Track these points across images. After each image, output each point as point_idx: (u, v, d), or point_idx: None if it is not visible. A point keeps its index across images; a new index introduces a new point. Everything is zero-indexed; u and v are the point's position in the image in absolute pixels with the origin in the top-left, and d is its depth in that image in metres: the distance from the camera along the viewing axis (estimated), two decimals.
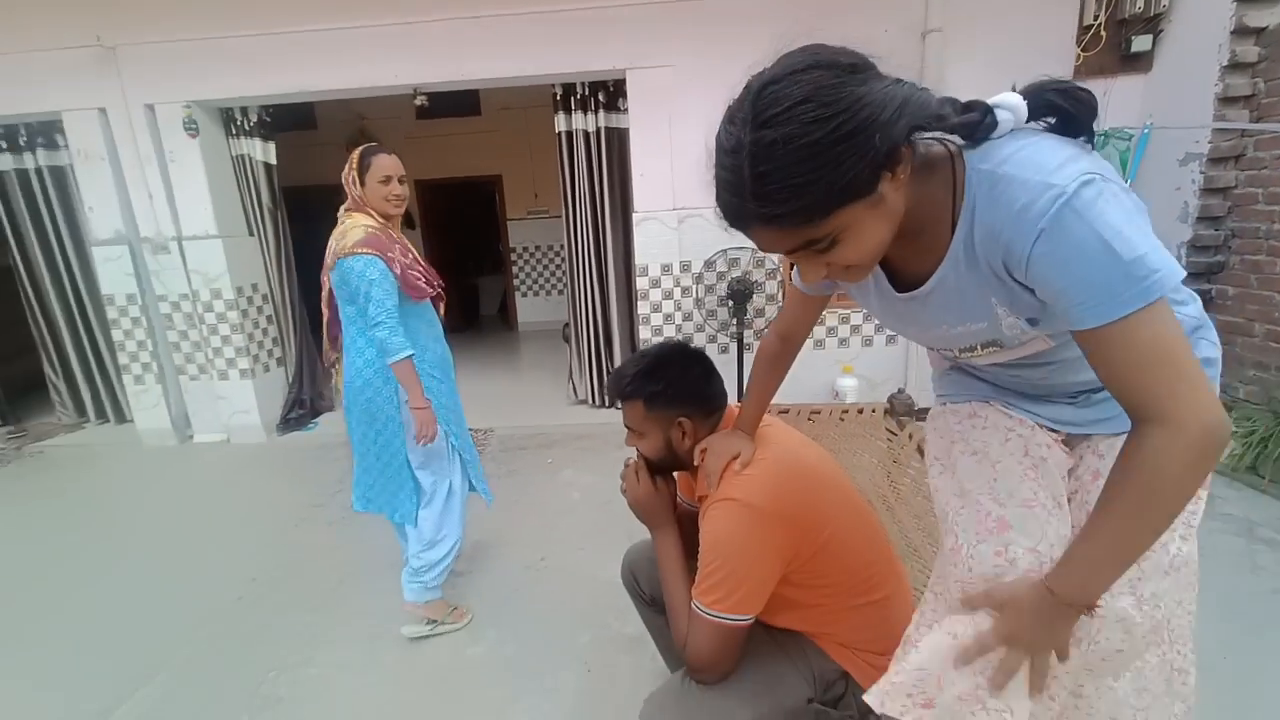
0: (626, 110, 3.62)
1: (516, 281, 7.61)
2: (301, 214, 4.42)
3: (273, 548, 2.73)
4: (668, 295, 3.76)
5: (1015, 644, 0.63)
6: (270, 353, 4.26)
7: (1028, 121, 0.61)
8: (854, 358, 3.78)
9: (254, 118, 3.86)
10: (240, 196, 4.02)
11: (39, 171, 4.07)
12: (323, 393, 4.57)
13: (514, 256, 7.50)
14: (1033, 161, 0.56)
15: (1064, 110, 0.60)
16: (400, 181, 1.91)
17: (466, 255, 8.19)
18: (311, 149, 6.23)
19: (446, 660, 1.98)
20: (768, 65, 0.56)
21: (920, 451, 2.51)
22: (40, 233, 4.22)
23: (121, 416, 4.69)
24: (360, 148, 1.92)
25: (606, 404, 4.16)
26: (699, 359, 1.15)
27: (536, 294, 7.63)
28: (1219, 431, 0.54)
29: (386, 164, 1.89)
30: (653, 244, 3.68)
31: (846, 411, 3.22)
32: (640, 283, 3.76)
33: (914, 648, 0.72)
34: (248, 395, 4.06)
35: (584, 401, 4.31)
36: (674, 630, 1.05)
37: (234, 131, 3.89)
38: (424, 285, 1.96)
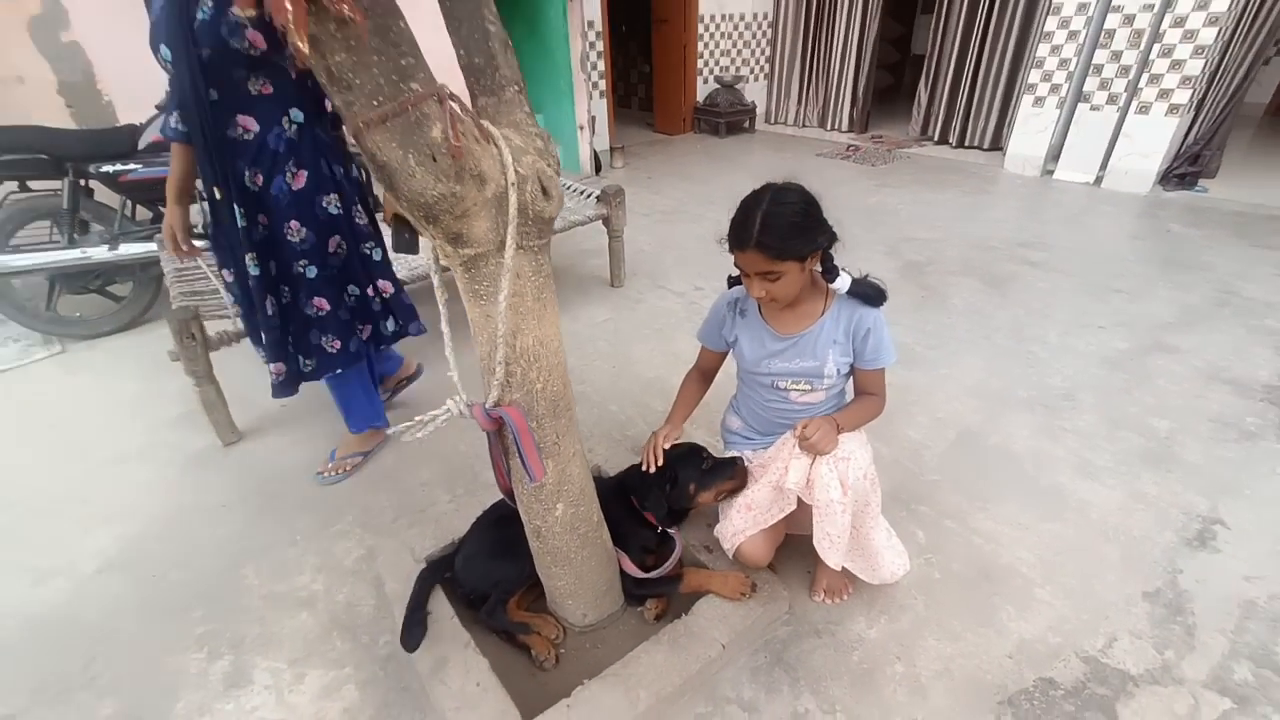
0: None
1: None
2: None
3: None
4: None
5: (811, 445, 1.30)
6: (1200, 91, 3.68)
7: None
8: None
9: None
10: None
11: None
12: (1215, 156, 3.87)
13: None
14: (868, 309, 1.29)
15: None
16: None
17: None
18: None
19: None
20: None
21: None
22: None
23: (962, 141, 5.17)
24: None
25: None
26: None
27: None
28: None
29: None
30: None
31: None
32: None
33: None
34: (1160, 137, 3.71)
35: None
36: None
37: None
38: None
